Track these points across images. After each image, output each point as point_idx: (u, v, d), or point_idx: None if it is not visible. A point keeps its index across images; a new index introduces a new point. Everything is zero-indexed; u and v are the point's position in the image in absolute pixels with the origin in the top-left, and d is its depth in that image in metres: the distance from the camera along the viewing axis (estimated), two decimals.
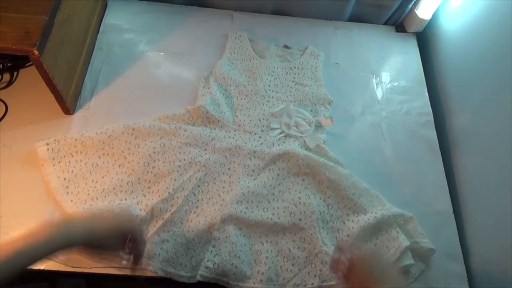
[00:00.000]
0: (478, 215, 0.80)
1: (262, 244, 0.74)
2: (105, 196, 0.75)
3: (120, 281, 0.74)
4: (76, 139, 0.78)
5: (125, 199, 0.75)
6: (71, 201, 0.74)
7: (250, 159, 0.81)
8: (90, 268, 0.70)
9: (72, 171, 0.76)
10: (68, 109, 0.83)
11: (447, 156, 0.90)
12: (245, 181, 0.78)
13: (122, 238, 0.59)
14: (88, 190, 0.75)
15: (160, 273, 0.69)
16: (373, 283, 0.56)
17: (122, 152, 0.79)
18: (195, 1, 1.03)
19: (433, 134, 0.93)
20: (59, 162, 0.77)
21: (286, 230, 0.76)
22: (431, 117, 0.95)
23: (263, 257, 0.73)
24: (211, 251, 0.72)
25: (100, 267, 0.70)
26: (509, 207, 0.71)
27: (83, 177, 0.76)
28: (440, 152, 0.91)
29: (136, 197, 0.75)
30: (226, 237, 0.73)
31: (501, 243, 0.72)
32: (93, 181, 0.76)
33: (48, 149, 0.77)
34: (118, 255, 0.60)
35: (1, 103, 0.83)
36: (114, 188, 0.75)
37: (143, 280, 0.72)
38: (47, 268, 0.69)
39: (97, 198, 0.74)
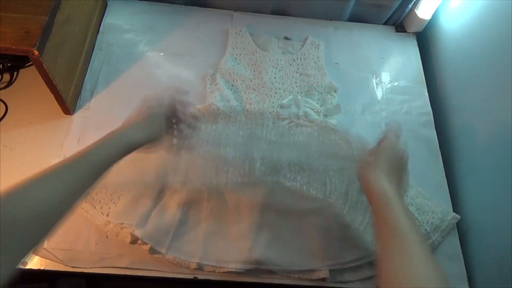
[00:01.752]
0: (478, 215, 0.80)
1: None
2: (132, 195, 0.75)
3: (120, 281, 0.74)
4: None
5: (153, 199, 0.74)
6: (95, 207, 0.74)
7: (265, 143, 0.82)
8: (90, 268, 0.70)
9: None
10: (68, 109, 0.83)
11: (447, 156, 0.90)
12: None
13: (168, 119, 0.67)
14: (111, 195, 0.75)
15: None
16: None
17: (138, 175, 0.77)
18: (195, 1, 1.03)
19: (433, 134, 0.93)
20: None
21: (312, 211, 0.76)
22: (431, 117, 0.95)
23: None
24: None
25: (100, 267, 0.70)
26: (509, 207, 0.71)
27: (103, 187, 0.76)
28: (440, 152, 0.90)
29: (165, 195, 0.75)
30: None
31: (501, 243, 0.72)
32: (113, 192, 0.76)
33: None
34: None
35: (1, 103, 0.83)
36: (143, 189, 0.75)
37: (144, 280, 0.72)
38: (47, 268, 0.69)
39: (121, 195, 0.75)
